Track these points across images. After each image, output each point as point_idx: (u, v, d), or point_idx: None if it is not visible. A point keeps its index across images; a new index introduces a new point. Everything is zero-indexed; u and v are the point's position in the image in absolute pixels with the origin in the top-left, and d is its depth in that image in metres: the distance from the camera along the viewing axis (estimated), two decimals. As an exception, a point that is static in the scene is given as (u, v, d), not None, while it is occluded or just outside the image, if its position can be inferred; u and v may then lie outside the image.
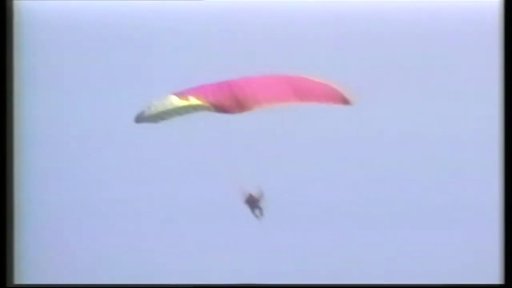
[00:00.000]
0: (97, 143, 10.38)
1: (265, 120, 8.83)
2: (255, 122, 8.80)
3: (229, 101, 8.55)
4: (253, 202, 9.49)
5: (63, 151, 10.44)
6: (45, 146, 10.44)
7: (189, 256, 10.31)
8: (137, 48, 10.43)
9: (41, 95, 10.46)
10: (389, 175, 10.28)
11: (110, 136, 10.37)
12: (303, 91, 8.56)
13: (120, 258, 10.40)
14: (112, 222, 10.36)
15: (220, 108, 8.50)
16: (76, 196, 10.40)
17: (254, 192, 9.42)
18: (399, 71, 10.34)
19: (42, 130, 10.45)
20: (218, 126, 8.80)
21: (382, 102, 10.33)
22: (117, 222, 10.36)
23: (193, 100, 8.52)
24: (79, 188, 10.40)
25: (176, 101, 8.50)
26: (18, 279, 10.36)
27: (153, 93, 9.92)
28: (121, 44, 10.44)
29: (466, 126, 10.31)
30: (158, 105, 8.55)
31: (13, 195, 10.34)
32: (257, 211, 9.52)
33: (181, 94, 8.53)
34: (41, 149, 10.44)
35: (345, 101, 8.58)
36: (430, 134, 10.35)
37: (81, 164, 10.42)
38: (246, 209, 9.47)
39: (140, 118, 8.61)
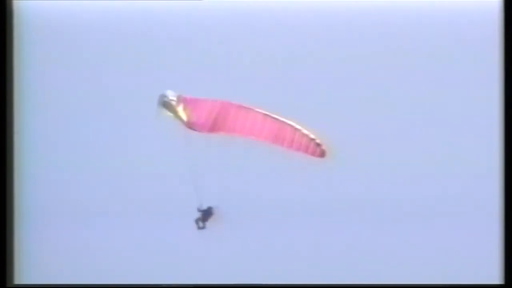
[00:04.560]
0: (98, 143, 10.39)
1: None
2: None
3: (207, 121, 9.19)
4: (206, 215, 9.80)
5: (64, 151, 10.44)
6: (46, 146, 10.44)
7: (190, 256, 10.31)
8: (139, 48, 10.43)
9: (42, 95, 10.46)
10: (387, 175, 10.28)
11: (110, 136, 10.38)
12: (282, 138, 9.17)
13: (121, 258, 10.40)
14: (112, 222, 10.37)
15: (192, 126, 9.17)
16: (76, 196, 10.40)
17: (213, 207, 9.76)
18: (398, 71, 10.34)
19: (43, 130, 10.45)
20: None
21: (380, 102, 10.34)
22: (118, 222, 10.36)
23: (180, 109, 9.20)
24: (80, 188, 10.40)
25: (173, 102, 9.28)
26: (18, 279, 10.35)
27: (154, 93, 9.93)
28: (123, 44, 10.44)
29: (466, 126, 10.31)
30: (168, 98, 9.29)
31: (13, 195, 10.34)
32: (201, 223, 9.83)
33: (179, 99, 9.27)
34: (41, 149, 10.44)
35: (321, 155, 9.22)
36: (430, 134, 10.35)
37: (82, 164, 10.42)
38: (196, 215, 9.80)
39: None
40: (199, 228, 9.97)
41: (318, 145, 9.27)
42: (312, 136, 9.27)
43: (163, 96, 9.40)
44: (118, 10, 10.38)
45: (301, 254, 10.35)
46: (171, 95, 9.38)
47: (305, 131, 9.27)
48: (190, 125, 9.28)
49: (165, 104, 9.35)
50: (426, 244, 10.30)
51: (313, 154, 9.34)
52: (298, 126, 9.28)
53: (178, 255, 10.33)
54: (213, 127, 9.25)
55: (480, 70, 10.27)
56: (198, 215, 9.95)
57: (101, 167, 10.39)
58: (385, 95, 10.33)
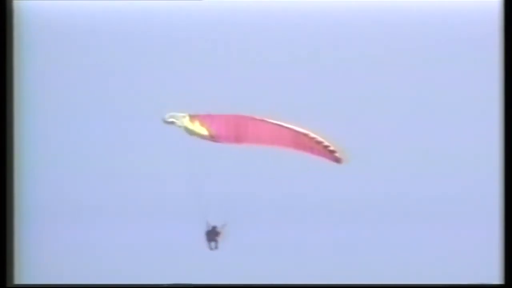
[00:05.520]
0: (98, 143, 10.38)
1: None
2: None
3: (229, 133, 9.35)
4: (213, 235, 9.82)
5: (64, 151, 10.44)
6: (46, 146, 10.44)
7: (190, 257, 10.31)
8: (139, 48, 10.43)
9: (42, 95, 10.46)
10: (387, 174, 10.29)
11: (111, 136, 10.38)
12: (302, 144, 9.36)
13: (121, 258, 10.40)
14: (112, 222, 10.36)
15: (216, 139, 9.35)
16: (76, 196, 10.40)
17: (218, 226, 9.77)
18: (397, 71, 10.34)
19: (43, 130, 10.45)
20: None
21: (381, 102, 10.34)
22: (118, 222, 10.36)
23: (197, 126, 9.35)
24: (80, 188, 10.40)
25: (186, 122, 9.41)
26: (18, 279, 10.35)
27: (155, 94, 9.93)
28: (123, 44, 10.44)
29: (466, 126, 10.32)
30: (175, 119, 9.47)
31: (13, 195, 10.34)
32: (213, 244, 9.85)
33: (192, 117, 9.40)
34: (41, 149, 10.44)
35: (336, 160, 9.40)
36: (429, 134, 10.35)
37: (82, 164, 10.42)
38: (205, 237, 9.90)
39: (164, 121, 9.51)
40: (211, 249, 9.97)
41: (332, 152, 9.38)
42: (326, 143, 9.37)
43: (173, 116, 9.47)
44: (118, 10, 10.38)
45: (302, 254, 10.35)
46: (181, 115, 9.48)
47: (320, 139, 9.37)
48: (213, 138, 9.40)
49: (175, 124, 9.44)
50: (426, 244, 10.30)
51: (329, 160, 9.46)
52: (312, 134, 9.38)
53: (178, 255, 10.33)
54: (237, 138, 9.39)
55: (480, 70, 10.28)
56: (206, 237, 9.94)
57: (101, 168, 10.39)
58: (385, 95, 10.34)
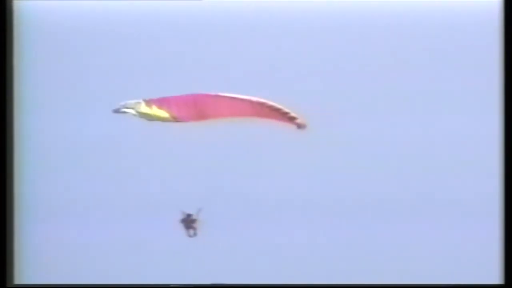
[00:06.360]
0: (98, 142, 10.38)
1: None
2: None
3: (190, 112, 9.42)
4: (189, 222, 9.84)
5: (64, 151, 10.44)
6: (46, 146, 10.44)
7: (190, 256, 10.31)
8: (139, 48, 10.43)
9: (42, 95, 10.46)
10: (387, 174, 10.29)
11: (111, 136, 10.37)
12: (262, 113, 9.49)
13: (121, 258, 10.40)
14: (113, 222, 10.36)
15: (178, 119, 9.43)
16: (76, 196, 10.40)
17: (193, 213, 9.79)
18: (397, 72, 10.35)
19: (43, 130, 10.45)
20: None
21: (380, 101, 10.34)
22: (118, 222, 10.36)
23: (156, 110, 9.41)
24: (80, 188, 10.40)
25: (143, 108, 9.46)
26: (18, 279, 10.35)
27: (155, 94, 9.94)
28: (123, 44, 10.45)
29: (466, 126, 10.32)
30: (131, 106, 9.52)
31: (13, 195, 10.34)
32: (191, 231, 9.87)
33: (148, 102, 9.49)
34: (41, 149, 10.44)
35: (299, 126, 9.56)
36: (429, 134, 10.36)
37: (82, 164, 10.42)
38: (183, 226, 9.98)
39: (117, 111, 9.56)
40: (190, 236, 9.99)
41: (292, 118, 9.52)
42: (285, 110, 9.48)
43: (126, 105, 9.52)
44: (118, 10, 10.38)
45: (298, 254, 10.35)
46: (135, 102, 9.54)
47: (278, 106, 9.49)
48: (175, 119, 9.48)
49: (130, 113, 9.49)
50: (426, 244, 10.30)
51: (292, 125, 9.57)
52: (270, 103, 9.51)
53: (179, 254, 10.33)
54: (199, 115, 9.46)
55: (480, 70, 10.28)
56: (183, 225, 10.00)
57: (101, 167, 10.39)
58: (386, 95, 10.34)
